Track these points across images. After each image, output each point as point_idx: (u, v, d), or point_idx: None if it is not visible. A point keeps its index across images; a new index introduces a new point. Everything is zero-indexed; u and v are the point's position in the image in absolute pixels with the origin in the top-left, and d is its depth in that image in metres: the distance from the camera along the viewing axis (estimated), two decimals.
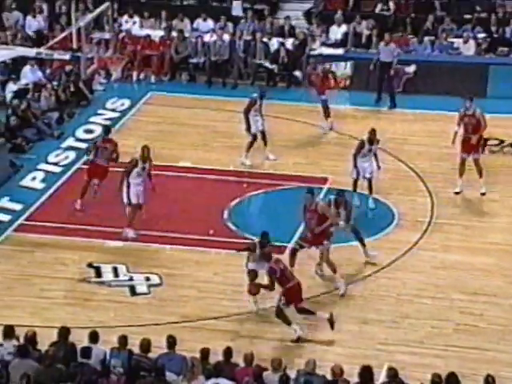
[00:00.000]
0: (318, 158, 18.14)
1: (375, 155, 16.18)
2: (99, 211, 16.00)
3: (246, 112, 17.77)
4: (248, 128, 17.77)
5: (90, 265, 14.65)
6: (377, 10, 23.31)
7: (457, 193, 16.71)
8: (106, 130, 17.04)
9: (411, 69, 21.53)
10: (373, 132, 16.14)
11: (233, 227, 15.81)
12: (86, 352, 10.79)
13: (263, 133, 17.97)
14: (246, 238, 15.29)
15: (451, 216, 16.19)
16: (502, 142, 18.58)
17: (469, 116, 16.48)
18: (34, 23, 22.49)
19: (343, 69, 21.77)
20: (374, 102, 20.71)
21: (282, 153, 18.37)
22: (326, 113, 19.22)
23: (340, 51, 22.14)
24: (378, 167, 16.26)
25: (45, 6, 23.57)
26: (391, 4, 23.24)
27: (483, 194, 16.59)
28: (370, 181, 16.17)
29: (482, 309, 13.62)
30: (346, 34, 22.58)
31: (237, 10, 23.54)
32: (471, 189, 16.92)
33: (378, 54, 20.86)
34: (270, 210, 16.51)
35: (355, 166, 15.99)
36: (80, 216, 15.91)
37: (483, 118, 16.54)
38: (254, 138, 17.85)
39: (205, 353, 11.10)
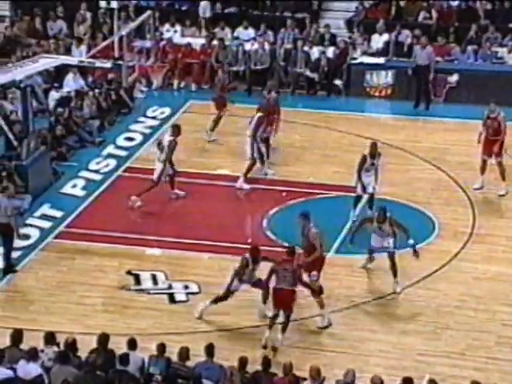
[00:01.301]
0: None
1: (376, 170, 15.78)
2: (138, 219, 16.07)
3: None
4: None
5: (129, 272, 14.71)
6: (419, 19, 23.16)
7: (476, 189, 16.91)
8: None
9: (453, 78, 21.35)
10: (374, 146, 15.77)
11: (272, 236, 15.77)
12: (124, 359, 10.82)
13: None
14: (284, 247, 15.24)
15: (493, 227, 15.99)
16: None
17: (492, 119, 16.82)
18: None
19: (384, 78, 21.68)
20: (412, 106, 20.72)
21: (322, 161, 18.30)
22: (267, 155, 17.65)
23: (381, 60, 22.03)
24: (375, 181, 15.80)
25: (88, 15, 23.81)
26: (434, 12, 23.08)
27: (502, 196, 16.75)
28: (372, 195, 15.80)
29: None
30: (387, 43, 22.46)
31: (205, 11, 23.29)
32: None
33: (415, 58, 20.84)
34: None
35: (359, 181, 15.64)
36: (118, 223, 16.00)
37: (504, 124, 16.75)
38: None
39: (243, 362, 11.07)
